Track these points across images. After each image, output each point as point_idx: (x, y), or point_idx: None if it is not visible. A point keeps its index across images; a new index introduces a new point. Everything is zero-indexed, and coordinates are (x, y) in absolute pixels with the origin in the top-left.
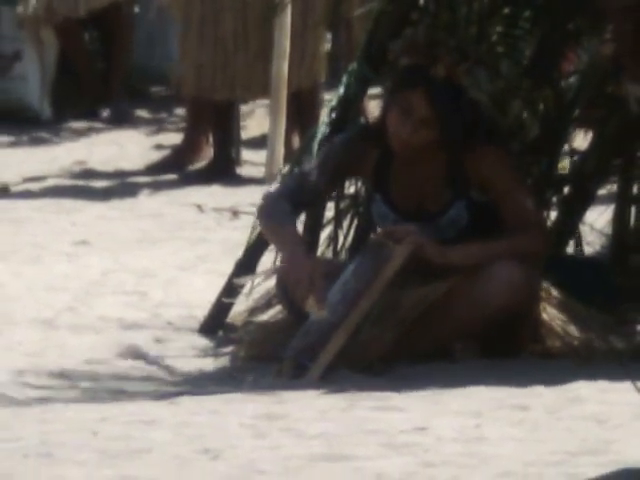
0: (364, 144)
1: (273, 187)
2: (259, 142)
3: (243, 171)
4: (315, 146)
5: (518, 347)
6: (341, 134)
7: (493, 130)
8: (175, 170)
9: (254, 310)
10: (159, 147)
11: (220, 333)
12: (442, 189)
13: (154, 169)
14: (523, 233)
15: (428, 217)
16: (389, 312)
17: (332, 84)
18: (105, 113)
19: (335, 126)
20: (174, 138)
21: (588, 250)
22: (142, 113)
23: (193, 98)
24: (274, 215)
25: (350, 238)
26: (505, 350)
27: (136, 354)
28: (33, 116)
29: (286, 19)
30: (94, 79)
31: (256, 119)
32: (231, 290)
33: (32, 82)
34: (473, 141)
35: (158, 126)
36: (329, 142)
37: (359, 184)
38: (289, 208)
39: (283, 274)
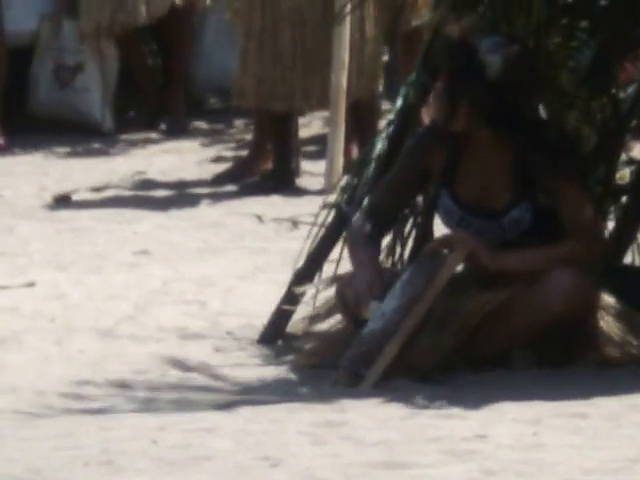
0: (433, 143)
1: (358, 212)
2: (317, 153)
3: (302, 182)
4: (374, 157)
5: (574, 355)
6: (408, 142)
7: (560, 135)
8: (240, 180)
9: (314, 319)
10: (218, 158)
11: (280, 342)
12: (507, 188)
13: (219, 180)
14: (575, 240)
15: (492, 215)
16: (448, 319)
17: (389, 96)
18: (163, 125)
19: (394, 137)
20: (232, 150)
21: None
22: (199, 124)
23: (255, 109)
24: (356, 239)
25: (409, 248)
26: (561, 358)
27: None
28: (95, 127)
29: (345, 30)
30: (154, 91)
31: (314, 131)
32: (291, 299)
33: (94, 94)
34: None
35: (215, 137)
36: (399, 154)
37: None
38: (373, 231)
39: (344, 284)
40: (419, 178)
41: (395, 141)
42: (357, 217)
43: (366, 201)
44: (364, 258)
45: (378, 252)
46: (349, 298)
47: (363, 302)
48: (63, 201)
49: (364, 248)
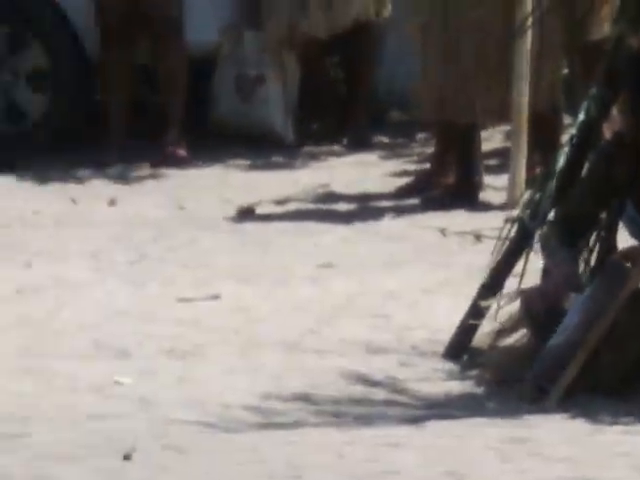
0: (618, 154)
1: (551, 221)
2: (499, 167)
3: (484, 196)
4: (556, 171)
5: None
6: (593, 154)
7: None
8: (422, 194)
9: (499, 334)
10: (401, 172)
11: (465, 357)
12: None
13: (401, 193)
14: None
15: None
16: (631, 333)
17: (571, 110)
18: (345, 138)
19: (577, 151)
20: (414, 163)
21: None
22: (381, 137)
23: (436, 122)
24: (550, 247)
25: (593, 261)
26: None
27: None
28: (276, 139)
29: (526, 44)
30: (335, 104)
31: (495, 144)
32: (476, 313)
33: (275, 105)
34: None
35: (397, 151)
36: (582, 168)
37: None
38: (565, 239)
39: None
40: (605, 190)
41: (577, 155)
42: (546, 229)
43: (552, 215)
44: (562, 257)
45: (575, 253)
46: (551, 288)
47: (563, 293)
48: (247, 214)
49: (560, 250)
